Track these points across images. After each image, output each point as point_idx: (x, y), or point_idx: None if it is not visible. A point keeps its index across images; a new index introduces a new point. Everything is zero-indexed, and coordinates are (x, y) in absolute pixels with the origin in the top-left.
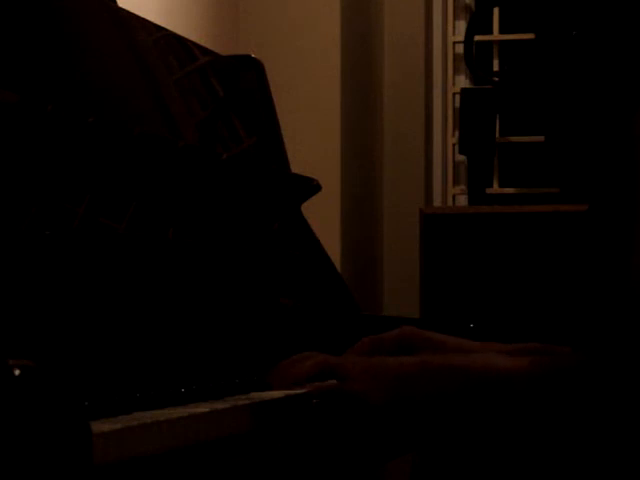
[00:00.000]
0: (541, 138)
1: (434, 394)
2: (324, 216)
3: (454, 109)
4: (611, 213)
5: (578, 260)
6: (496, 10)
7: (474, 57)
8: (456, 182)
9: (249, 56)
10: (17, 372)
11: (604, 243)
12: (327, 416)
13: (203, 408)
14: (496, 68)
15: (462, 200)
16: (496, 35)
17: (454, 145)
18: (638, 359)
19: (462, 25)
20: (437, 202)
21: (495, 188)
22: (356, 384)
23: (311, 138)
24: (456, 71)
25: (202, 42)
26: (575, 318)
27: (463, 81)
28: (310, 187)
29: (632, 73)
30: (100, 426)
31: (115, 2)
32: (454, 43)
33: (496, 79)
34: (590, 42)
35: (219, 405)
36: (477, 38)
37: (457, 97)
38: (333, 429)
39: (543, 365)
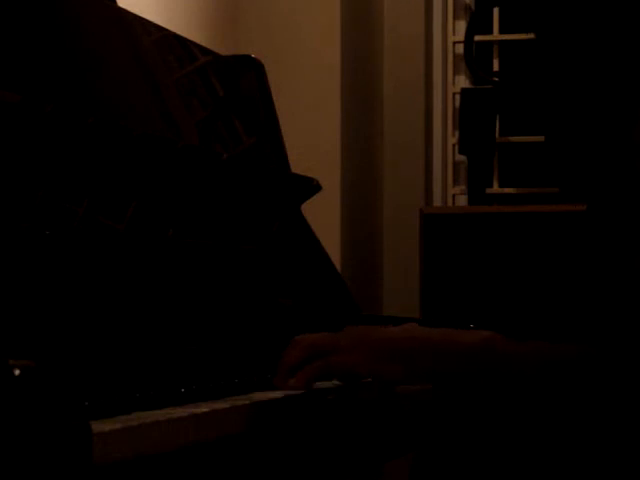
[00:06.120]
0: (541, 138)
1: (421, 367)
2: (324, 216)
3: (454, 109)
4: (611, 216)
5: (578, 260)
6: (496, 10)
7: (474, 57)
8: (456, 182)
9: (249, 56)
10: (17, 372)
11: (605, 245)
12: (325, 416)
13: (203, 408)
14: (496, 68)
15: (462, 200)
16: (496, 35)
17: (454, 145)
18: (638, 356)
19: (462, 25)
20: (437, 202)
21: (495, 188)
22: (344, 356)
23: (311, 138)
24: (456, 71)
25: (202, 42)
26: (575, 317)
27: (463, 81)
28: (310, 187)
29: (632, 78)
30: (100, 426)
31: (115, 2)
32: (454, 43)
33: (496, 79)
34: (590, 43)
35: (219, 405)
36: (477, 38)
37: (457, 97)
38: (332, 429)
39: (543, 353)
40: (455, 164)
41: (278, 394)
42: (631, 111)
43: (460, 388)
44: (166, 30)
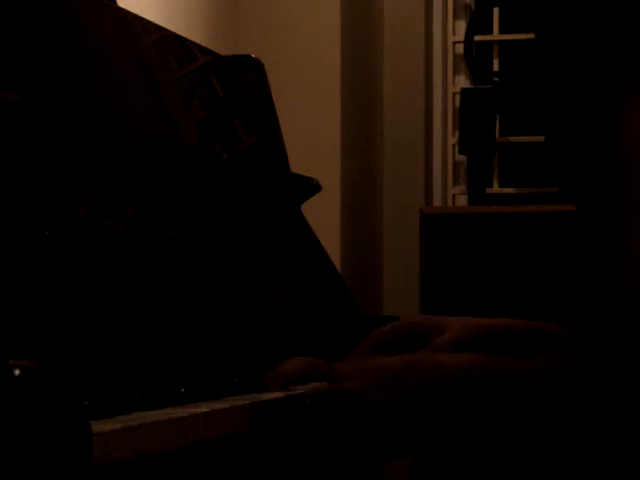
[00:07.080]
0: (541, 138)
1: (420, 392)
2: (324, 216)
3: (454, 109)
4: (597, 212)
5: (571, 260)
6: (496, 10)
7: (474, 57)
8: (456, 182)
9: (249, 56)
10: (17, 372)
11: (591, 242)
12: (326, 416)
13: (203, 408)
14: (496, 68)
15: (462, 200)
16: (496, 35)
17: (454, 145)
18: (628, 357)
19: (462, 25)
20: (437, 202)
21: (495, 188)
22: (348, 383)
23: (311, 138)
24: (456, 71)
25: (202, 42)
26: (573, 316)
27: (463, 81)
28: (310, 187)
29: (617, 73)
30: (100, 426)
31: (115, 2)
32: (454, 43)
33: (496, 79)
34: (590, 44)
35: (219, 405)
36: (477, 38)
37: (457, 97)
38: (332, 429)
39: (541, 364)
40: (455, 164)
41: (278, 394)
42: (615, 106)
43: (455, 405)
44: (166, 30)
